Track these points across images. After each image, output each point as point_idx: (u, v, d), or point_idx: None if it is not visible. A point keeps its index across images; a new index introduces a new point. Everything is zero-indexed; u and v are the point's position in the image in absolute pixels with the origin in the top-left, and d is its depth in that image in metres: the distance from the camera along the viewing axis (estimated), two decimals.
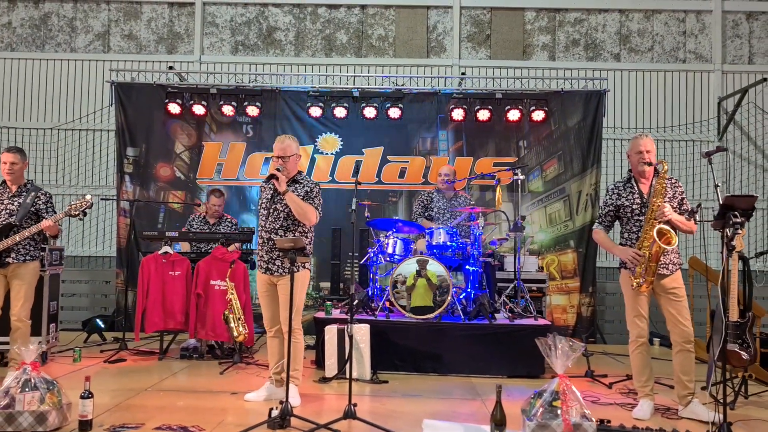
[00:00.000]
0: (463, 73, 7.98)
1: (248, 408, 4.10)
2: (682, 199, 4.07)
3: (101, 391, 4.14)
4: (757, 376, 4.98)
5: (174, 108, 7.41)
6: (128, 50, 8.30)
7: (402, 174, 7.58)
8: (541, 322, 5.53)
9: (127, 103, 7.53)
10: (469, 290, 5.69)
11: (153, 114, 7.57)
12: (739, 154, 8.00)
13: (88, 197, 4.67)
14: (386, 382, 4.93)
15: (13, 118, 8.19)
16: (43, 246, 5.08)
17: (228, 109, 7.38)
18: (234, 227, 6.40)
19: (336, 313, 5.70)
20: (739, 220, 3.47)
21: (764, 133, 7.98)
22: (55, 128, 8.13)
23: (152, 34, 8.31)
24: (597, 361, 5.79)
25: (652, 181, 4.06)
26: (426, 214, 6.27)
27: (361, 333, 5.03)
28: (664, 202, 3.92)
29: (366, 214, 6.21)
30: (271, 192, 4.22)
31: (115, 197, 7.54)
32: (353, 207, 4.17)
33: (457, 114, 7.36)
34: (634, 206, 4.05)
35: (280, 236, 4.14)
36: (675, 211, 3.94)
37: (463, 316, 5.41)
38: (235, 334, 5.23)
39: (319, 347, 5.28)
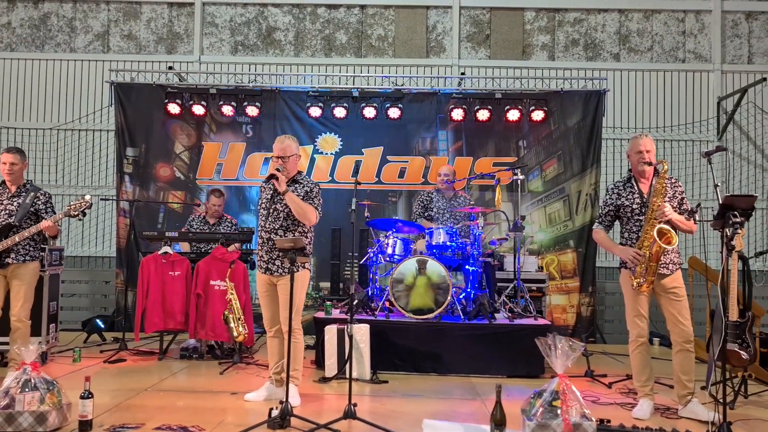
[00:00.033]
0: (462, 73, 7.98)
1: (248, 408, 4.10)
2: (682, 198, 4.07)
3: (101, 392, 4.14)
4: (756, 376, 4.99)
5: (173, 108, 7.41)
6: (128, 50, 8.30)
7: (402, 174, 7.58)
8: (541, 321, 5.53)
9: (127, 103, 7.53)
10: (468, 290, 5.69)
11: (152, 114, 7.57)
12: (738, 154, 8.00)
13: (87, 197, 4.67)
14: (386, 382, 4.94)
15: (13, 118, 8.18)
16: (42, 246, 5.08)
17: (227, 109, 7.38)
18: (234, 227, 6.40)
19: (336, 313, 5.70)
20: (738, 219, 3.48)
21: (764, 132, 7.98)
22: (55, 128, 8.13)
23: (152, 34, 8.31)
24: (597, 361, 5.80)
25: (652, 180, 4.06)
26: (426, 214, 6.27)
27: (361, 333, 5.03)
28: (664, 201, 3.92)
29: (366, 214, 6.21)
30: (271, 192, 4.22)
31: (114, 197, 7.54)
32: (353, 207, 4.17)
33: (457, 114, 7.36)
34: (634, 206, 4.05)
35: (280, 236, 4.14)
36: (675, 211, 3.95)
37: (462, 316, 5.41)
38: (235, 334, 5.23)
39: (318, 347, 5.28)
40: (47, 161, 8.05)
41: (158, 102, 7.47)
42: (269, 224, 4.19)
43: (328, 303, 5.80)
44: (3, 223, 4.68)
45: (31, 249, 4.80)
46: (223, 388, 4.61)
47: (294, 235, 4.15)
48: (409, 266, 5.42)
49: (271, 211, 4.19)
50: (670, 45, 8.19)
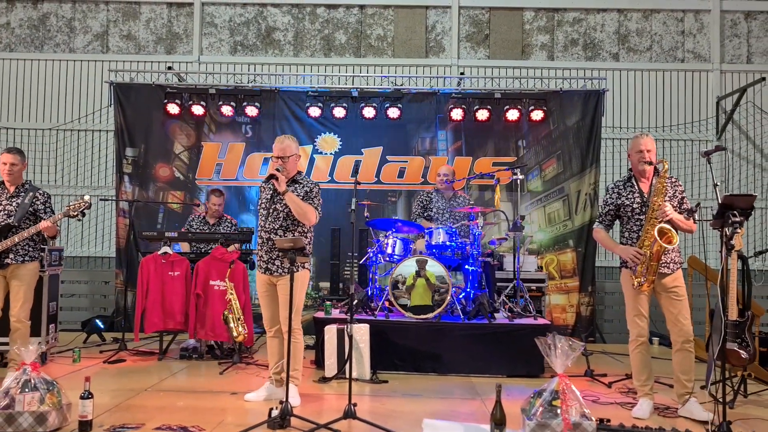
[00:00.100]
0: (462, 73, 7.98)
1: (248, 408, 4.10)
2: (683, 198, 4.07)
3: (101, 392, 4.14)
4: (756, 375, 4.99)
5: (173, 108, 7.41)
6: (127, 50, 8.30)
7: (401, 174, 7.58)
8: (541, 321, 5.53)
9: (126, 103, 7.53)
10: (468, 290, 5.69)
11: (152, 114, 7.56)
12: (737, 154, 8.01)
13: (86, 198, 4.67)
14: (386, 381, 4.94)
15: (12, 118, 8.18)
16: (42, 246, 5.07)
17: (227, 110, 7.38)
18: (233, 227, 6.40)
19: (335, 313, 5.70)
20: (738, 219, 3.48)
21: (763, 132, 7.99)
22: (54, 129, 8.12)
23: (151, 34, 8.30)
24: (596, 361, 5.80)
25: (652, 180, 4.07)
26: (425, 214, 6.27)
27: (361, 333, 5.03)
28: (665, 201, 3.93)
29: (365, 214, 6.21)
30: (271, 192, 4.22)
31: (114, 198, 7.54)
32: (353, 207, 4.16)
33: (456, 114, 7.37)
34: (635, 205, 4.05)
35: (280, 236, 4.14)
36: (675, 210, 3.95)
37: (462, 316, 5.41)
38: (235, 334, 5.23)
39: (318, 347, 5.28)
40: (46, 161, 8.04)
41: (157, 102, 7.47)
42: (269, 224, 4.19)
43: (328, 303, 5.80)
44: (2, 223, 4.68)
45: (31, 249, 4.80)
46: (223, 388, 4.61)
47: (294, 235, 4.15)
48: (408, 266, 5.43)
49: (271, 211, 4.19)
50: (669, 45, 8.19)
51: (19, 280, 4.71)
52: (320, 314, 5.67)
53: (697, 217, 4.13)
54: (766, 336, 5.17)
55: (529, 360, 5.14)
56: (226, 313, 5.27)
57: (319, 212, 4.22)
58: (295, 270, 3.83)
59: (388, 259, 5.83)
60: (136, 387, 4.57)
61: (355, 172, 4.52)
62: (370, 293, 5.75)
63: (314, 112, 7.39)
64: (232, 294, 5.37)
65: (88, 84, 8.21)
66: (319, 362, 5.26)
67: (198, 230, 6.26)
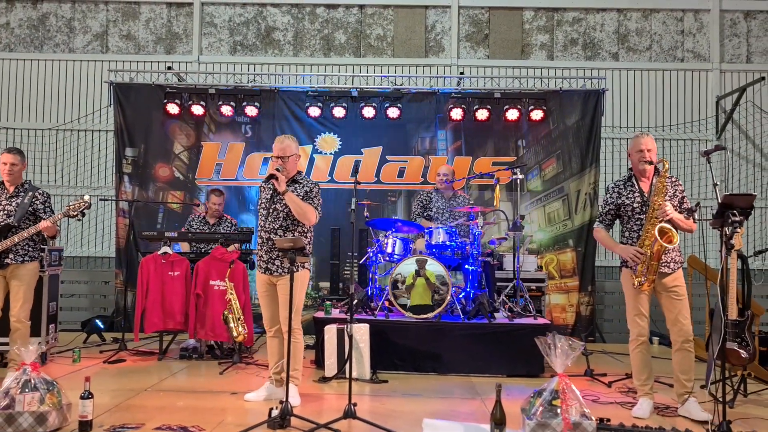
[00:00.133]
0: (461, 73, 7.98)
1: (248, 408, 4.10)
2: (683, 197, 4.08)
3: (101, 392, 4.14)
4: (756, 375, 4.99)
5: (173, 108, 7.41)
6: (126, 50, 8.30)
7: (401, 174, 7.58)
8: (541, 321, 5.53)
9: (126, 103, 7.53)
10: (468, 289, 5.70)
11: (152, 114, 7.56)
12: (737, 153, 8.01)
13: (86, 198, 4.67)
14: (386, 381, 4.94)
15: (12, 118, 8.18)
16: (42, 246, 5.07)
17: (227, 109, 7.38)
18: (233, 227, 6.40)
19: (335, 313, 5.70)
20: (737, 218, 3.49)
21: (762, 131, 7.99)
22: (54, 129, 8.12)
23: (150, 34, 8.30)
24: (596, 360, 5.80)
25: (652, 179, 4.07)
26: (425, 213, 6.27)
27: (361, 333, 5.03)
28: (665, 200, 3.93)
29: (365, 214, 6.21)
30: (271, 192, 4.21)
31: (113, 198, 7.54)
32: (352, 207, 4.16)
33: (456, 113, 7.37)
34: (635, 205, 4.06)
35: (280, 236, 4.14)
36: (675, 210, 3.95)
37: (462, 316, 5.41)
38: (235, 334, 5.23)
39: (318, 347, 5.28)
40: (46, 161, 8.04)
41: (157, 102, 7.47)
42: (269, 224, 4.19)
43: (328, 303, 5.80)
44: (2, 223, 4.68)
45: (30, 249, 4.80)
46: (223, 388, 4.61)
47: (293, 235, 4.15)
48: (408, 266, 5.43)
49: (271, 211, 4.19)
50: (669, 44, 8.19)
51: (19, 280, 4.71)
52: (320, 314, 5.67)
53: (696, 217, 4.13)
54: (765, 335, 5.17)
55: (529, 360, 5.15)
56: (226, 313, 5.27)
57: (319, 212, 4.22)
58: (295, 270, 3.83)
59: (387, 258, 5.83)
60: (136, 387, 4.57)
61: (355, 171, 4.52)
62: (370, 293, 5.75)
63: (314, 111, 7.39)
64: (232, 294, 5.37)
65: (87, 84, 8.21)
66: (319, 362, 5.26)
67: (198, 230, 6.26)
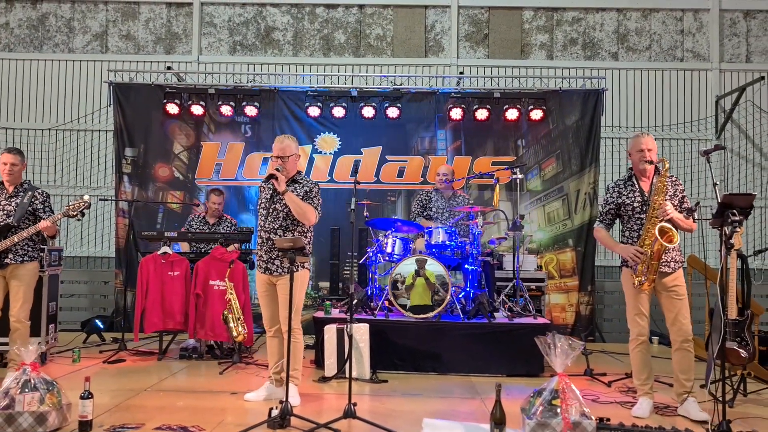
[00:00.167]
0: (461, 73, 7.98)
1: (248, 408, 4.10)
2: (683, 197, 4.08)
3: (101, 392, 4.14)
4: (755, 374, 4.99)
5: (172, 108, 7.41)
6: (126, 50, 8.30)
7: (401, 173, 7.58)
8: (540, 320, 5.53)
9: (126, 103, 7.52)
10: (468, 289, 5.70)
11: (151, 114, 7.56)
12: (737, 153, 8.01)
13: (85, 198, 4.67)
14: (386, 381, 4.94)
15: (11, 118, 8.17)
16: (41, 246, 5.07)
17: (226, 109, 7.38)
18: (233, 227, 6.40)
19: (335, 313, 5.70)
20: (737, 218, 3.49)
21: (762, 131, 7.99)
22: (54, 129, 8.12)
23: (150, 34, 8.30)
24: (596, 360, 5.80)
25: (652, 179, 4.07)
26: (425, 213, 6.27)
27: (361, 332, 5.03)
28: (665, 200, 3.93)
29: (365, 214, 6.21)
30: (271, 192, 4.22)
31: (113, 198, 7.54)
32: (352, 206, 4.16)
33: (456, 113, 7.37)
34: (635, 204, 4.06)
35: (280, 236, 4.14)
36: (675, 209, 3.95)
37: (462, 315, 5.42)
38: (235, 334, 5.23)
39: (318, 347, 5.28)
40: (46, 161, 8.04)
41: (157, 102, 7.46)
42: (269, 224, 4.19)
43: (328, 302, 5.80)
44: (1, 223, 4.68)
45: (30, 249, 4.80)
46: (222, 388, 4.61)
47: (293, 235, 4.15)
48: (408, 265, 5.43)
49: (271, 210, 4.19)
50: (669, 44, 8.19)
51: (19, 280, 4.71)
52: (320, 314, 5.67)
53: (696, 216, 4.13)
54: (765, 335, 5.17)
55: (528, 359, 5.15)
56: (225, 312, 5.27)
57: (318, 212, 4.22)
58: (294, 270, 3.83)
59: (387, 258, 5.83)
60: (136, 387, 4.57)
61: (355, 171, 4.52)
62: (369, 293, 5.75)
63: (313, 111, 7.39)
64: (231, 294, 5.37)
65: (87, 84, 8.21)
66: (318, 362, 5.26)
67: (198, 230, 6.26)
